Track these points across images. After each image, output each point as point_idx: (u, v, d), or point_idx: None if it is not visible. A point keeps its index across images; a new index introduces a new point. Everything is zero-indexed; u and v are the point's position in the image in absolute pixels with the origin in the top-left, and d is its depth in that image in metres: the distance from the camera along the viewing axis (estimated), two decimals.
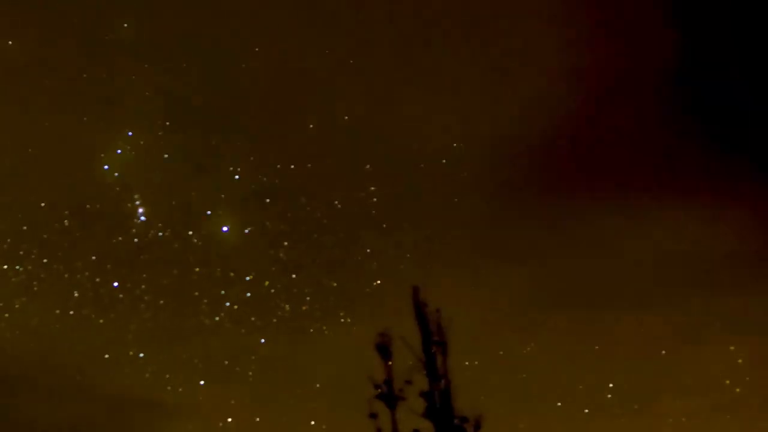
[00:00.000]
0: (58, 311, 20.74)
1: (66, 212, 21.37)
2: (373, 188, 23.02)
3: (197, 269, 21.64)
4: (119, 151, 21.72)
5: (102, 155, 21.62)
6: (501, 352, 21.56)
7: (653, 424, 21.27)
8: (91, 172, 21.65)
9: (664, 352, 21.73)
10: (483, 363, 20.85)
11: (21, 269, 20.79)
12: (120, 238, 21.57)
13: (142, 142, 21.97)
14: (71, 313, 20.78)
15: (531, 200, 23.01)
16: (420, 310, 9.34)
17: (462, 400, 8.79)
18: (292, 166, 22.82)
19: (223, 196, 22.31)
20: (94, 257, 21.32)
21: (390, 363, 9.25)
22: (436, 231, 22.88)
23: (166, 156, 22.08)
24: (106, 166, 21.59)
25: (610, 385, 21.54)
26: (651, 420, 21.24)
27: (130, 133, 21.86)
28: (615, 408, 21.43)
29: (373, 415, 9.12)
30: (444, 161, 23.65)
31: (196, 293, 21.45)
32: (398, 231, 22.75)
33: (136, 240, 21.62)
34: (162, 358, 20.90)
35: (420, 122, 23.54)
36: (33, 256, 20.96)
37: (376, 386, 9.17)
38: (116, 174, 21.64)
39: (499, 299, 21.84)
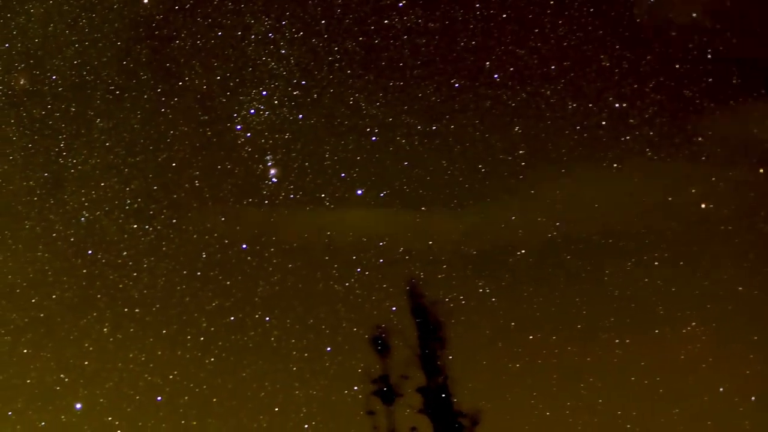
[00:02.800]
0: (185, 272, 20.07)
1: (197, 173, 20.70)
2: (522, 152, 21.07)
3: (329, 233, 20.44)
4: (252, 111, 20.79)
5: (234, 115, 20.81)
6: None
7: None
8: (223, 132, 20.90)
9: None
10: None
11: (150, 229, 20.27)
12: (250, 200, 20.68)
13: (275, 102, 20.94)
14: (198, 274, 20.04)
15: None
16: (417, 303, 9.16)
17: (460, 396, 8.80)
18: (434, 127, 21.20)
19: (358, 158, 20.95)
20: (223, 218, 20.55)
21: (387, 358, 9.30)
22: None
23: (300, 116, 20.97)
24: (238, 127, 20.75)
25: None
26: None
27: (264, 93, 20.88)
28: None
29: (371, 413, 9.04)
30: (604, 123, 21.33)
31: (326, 257, 20.23)
32: (546, 196, 20.67)
33: (266, 202, 20.69)
34: (288, 323, 19.76)
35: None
36: (163, 216, 20.37)
37: (373, 381, 9.11)
38: (249, 134, 20.73)
39: None
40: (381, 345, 9.53)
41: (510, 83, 21.58)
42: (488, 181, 21.14)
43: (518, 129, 21.52)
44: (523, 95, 21.68)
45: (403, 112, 21.48)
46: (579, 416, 19.14)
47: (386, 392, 9.13)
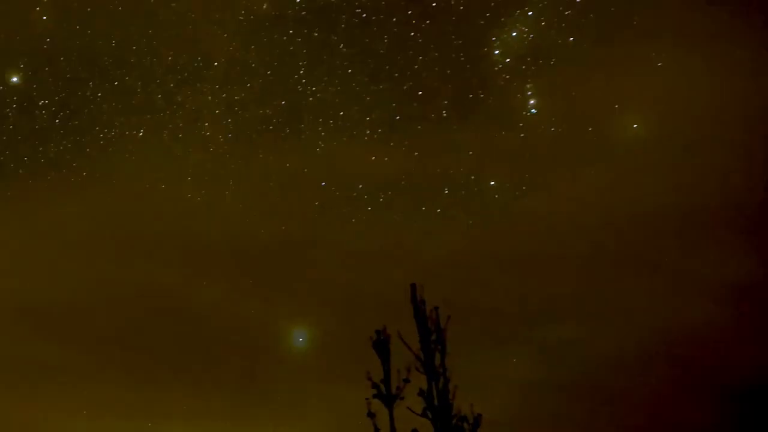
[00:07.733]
0: (423, 208, 18.67)
1: (445, 102, 18.45)
2: None
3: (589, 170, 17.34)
4: (514, 33, 18.08)
5: (493, 38, 18.32)
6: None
7: None
8: (479, 58, 18.46)
9: None
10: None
11: (389, 161, 18.67)
12: (504, 133, 18.15)
13: (543, 23, 18.15)
14: (438, 211, 17.83)
15: None
16: (418, 308, 9.23)
17: (461, 399, 8.84)
18: None
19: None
20: (470, 153, 18.12)
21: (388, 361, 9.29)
22: None
23: (571, 39, 17.92)
24: (496, 51, 18.14)
25: None
26: None
27: (530, 13, 18.12)
28: None
29: (371, 415, 9.17)
30: None
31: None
32: None
33: (522, 135, 18.02)
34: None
35: None
36: (404, 148, 18.77)
37: (374, 385, 9.20)
38: (507, 60, 18.13)
39: None
40: (382, 348, 9.36)
41: None
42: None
43: None
44: None
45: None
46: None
47: (387, 395, 9.19)
